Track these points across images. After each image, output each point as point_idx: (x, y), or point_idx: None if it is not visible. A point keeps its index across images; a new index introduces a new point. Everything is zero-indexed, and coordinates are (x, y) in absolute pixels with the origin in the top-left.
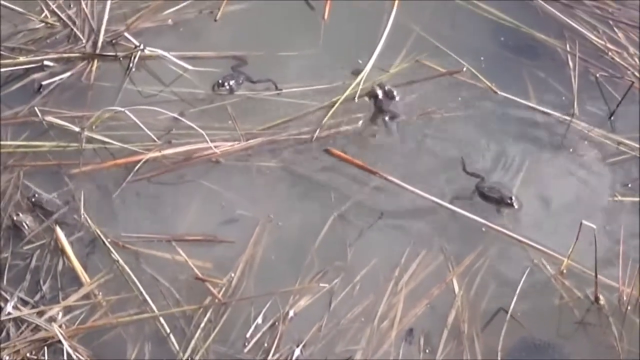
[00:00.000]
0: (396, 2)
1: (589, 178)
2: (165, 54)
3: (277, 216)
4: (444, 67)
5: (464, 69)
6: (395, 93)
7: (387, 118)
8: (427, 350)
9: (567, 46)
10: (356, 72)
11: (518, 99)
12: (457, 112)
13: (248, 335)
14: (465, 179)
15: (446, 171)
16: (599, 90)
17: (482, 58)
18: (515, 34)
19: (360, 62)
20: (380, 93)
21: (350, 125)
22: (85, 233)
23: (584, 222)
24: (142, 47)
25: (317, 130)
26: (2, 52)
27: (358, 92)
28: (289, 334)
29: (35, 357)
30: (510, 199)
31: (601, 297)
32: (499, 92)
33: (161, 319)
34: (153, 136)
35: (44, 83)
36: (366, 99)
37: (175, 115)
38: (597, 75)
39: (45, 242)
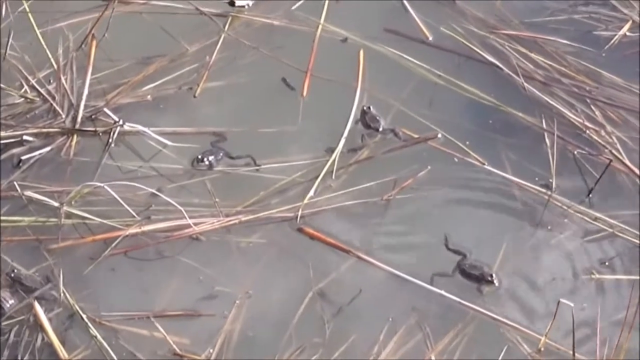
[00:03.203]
0: (359, 81)
1: (567, 256)
2: (145, 129)
3: (255, 292)
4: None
5: (439, 135)
6: (378, 117)
7: (368, 132)
8: None
9: (544, 124)
10: (329, 151)
11: (499, 172)
12: (435, 187)
13: None
14: (447, 255)
15: (427, 247)
16: (577, 167)
17: (461, 135)
18: (494, 112)
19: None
20: (368, 111)
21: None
22: (64, 309)
23: (562, 300)
24: (121, 122)
25: (300, 210)
26: None
27: (334, 170)
28: None
29: None
30: (491, 276)
31: None
32: (486, 165)
33: None
34: (132, 212)
35: (23, 158)
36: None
37: (154, 191)
38: (575, 152)
39: (24, 317)
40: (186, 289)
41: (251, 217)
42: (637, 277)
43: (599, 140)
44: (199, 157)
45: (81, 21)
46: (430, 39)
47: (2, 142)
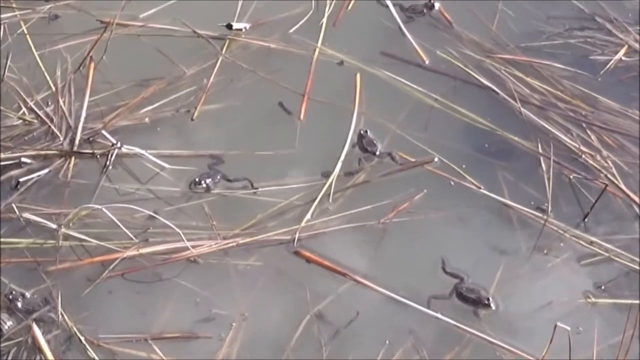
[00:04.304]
0: (356, 105)
1: (563, 279)
2: (143, 152)
3: (253, 314)
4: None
5: (435, 159)
6: (375, 141)
7: (365, 156)
8: None
9: (540, 148)
10: (326, 174)
11: (495, 196)
12: (432, 211)
13: None
14: (444, 278)
15: (424, 270)
16: (572, 192)
17: (457, 159)
18: (490, 136)
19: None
20: (365, 135)
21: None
22: (62, 330)
23: (559, 323)
24: (119, 145)
25: (297, 232)
26: None
27: (332, 193)
28: None
29: None
30: (488, 299)
31: None
32: (482, 189)
33: None
34: (130, 234)
35: (21, 180)
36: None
37: (152, 213)
38: (571, 177)
39: (22, 339)
40: (183, 311)
41: (249, 239)
42: (633, 302)
43: (595, 165)
44: (197, 179)
45: (79, 43)
46: (427, 62)
47: (0, 164)
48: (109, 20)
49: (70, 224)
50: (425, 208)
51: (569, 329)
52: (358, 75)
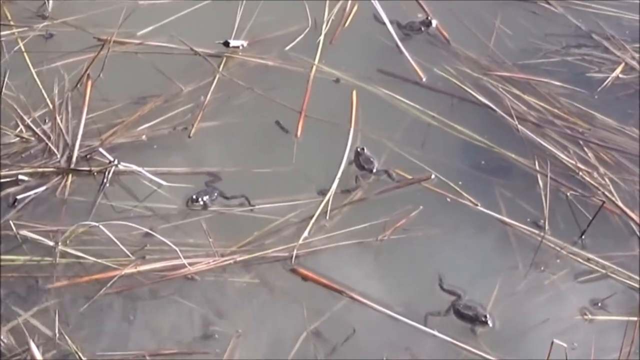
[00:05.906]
0: (353, 122)
1: (560, 296)
2: (140, 169)
3: (250, 331)
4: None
5: (432, 176)
6: (372, 159)
7: (362, 173)
8: None
9: (537, 165)
10: (323, 191)
11: (492, 213)
12: (429, 228)
13: None
14: (441, 295)
15: (421, 287)
16: (569, 209)
17: (454, 176)
18: (487, 153)
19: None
20: (362, 153)
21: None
22: (59, 348)
23: (555, 340)
24: (116, 162)
25: (295, 250)
26: None
27: (329, 211)
28: None
29: None
30: (485, 317)
31: None
32: (479, 205)
33: None
34: (127, 252)
35: (18, 197)
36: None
37: (149, 230)
38: (568, 194)
39: (20, 357)
40: (181, 329)
41: (246, 257)
42: (630, 318)
43: (592, 182)
44: (194, 197)
45: (76, 61)
46: (424, 80)
47: None
48: (106, 38)
49: (68, 242)
50: (422, 225)
51: (565, 345)
52: (355, 93)
